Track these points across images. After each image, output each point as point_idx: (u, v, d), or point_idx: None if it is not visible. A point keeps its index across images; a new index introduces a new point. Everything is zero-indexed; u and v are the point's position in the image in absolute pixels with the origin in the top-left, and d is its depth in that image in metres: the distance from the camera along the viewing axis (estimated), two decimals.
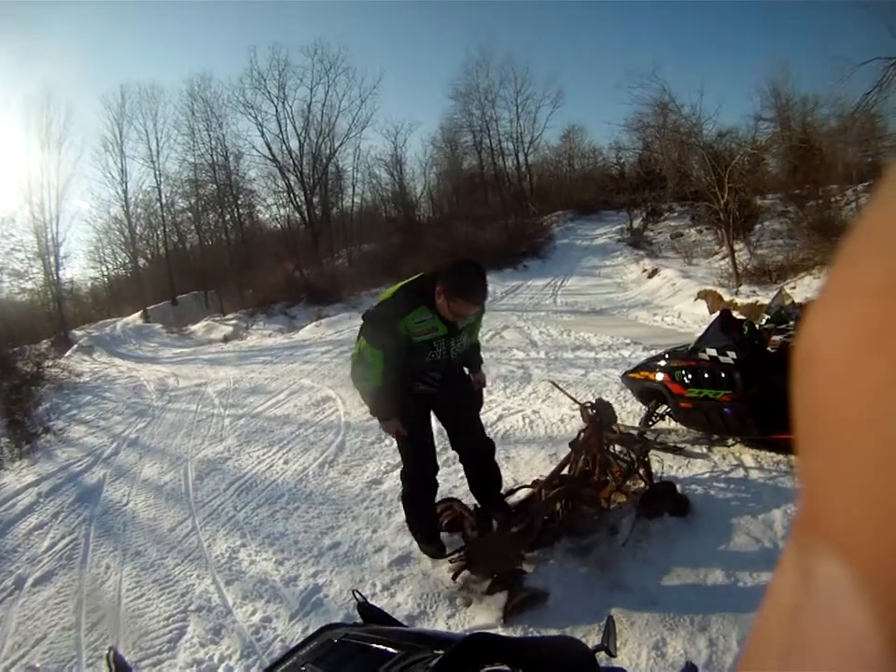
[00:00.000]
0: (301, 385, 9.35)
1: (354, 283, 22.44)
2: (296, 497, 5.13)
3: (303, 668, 2.00)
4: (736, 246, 14.51)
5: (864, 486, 0.19)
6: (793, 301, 6.20)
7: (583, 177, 35.72)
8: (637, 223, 25.35)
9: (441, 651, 1.77)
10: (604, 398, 4.34)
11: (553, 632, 3.03)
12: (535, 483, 4.10)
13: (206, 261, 27.40)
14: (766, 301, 8.03)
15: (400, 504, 3.85)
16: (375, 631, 2.26)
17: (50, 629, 3.81)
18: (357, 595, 2.77)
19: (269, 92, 28.89)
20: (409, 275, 3.44)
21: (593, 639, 2.57)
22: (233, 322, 20.18)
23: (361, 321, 3.32)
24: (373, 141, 57.41)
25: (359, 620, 2.77)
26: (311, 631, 2.99)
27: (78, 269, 32.52)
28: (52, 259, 25.93)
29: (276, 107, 28.71)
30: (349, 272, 25.38)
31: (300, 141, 28.64)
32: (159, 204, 29.06)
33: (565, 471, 4.00)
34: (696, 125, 17.52)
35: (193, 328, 20.52)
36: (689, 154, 21.02)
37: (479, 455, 3.78)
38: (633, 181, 27.40)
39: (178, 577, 4.16)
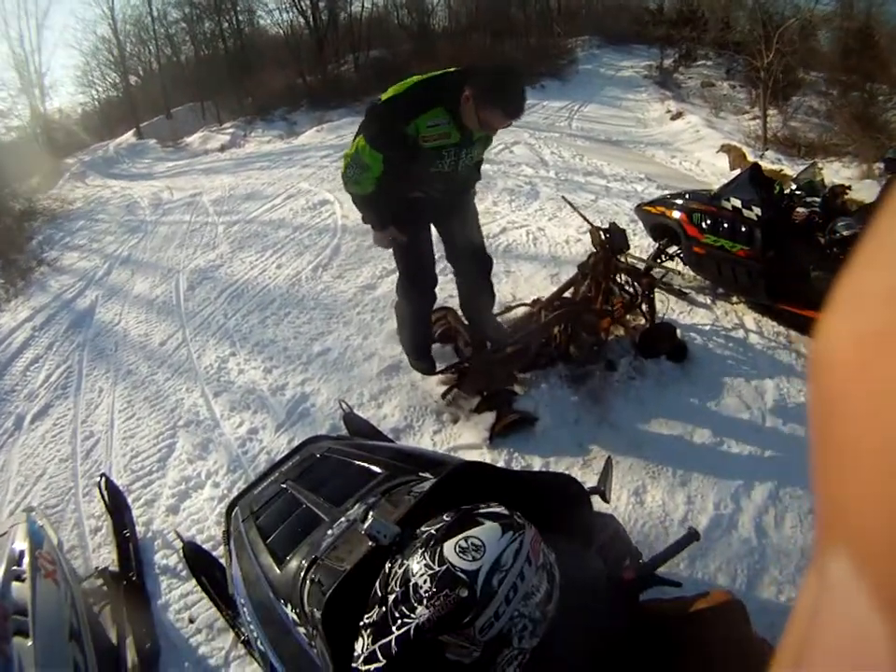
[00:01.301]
0: (298, 188, 8.86)
1: (359, 88, 20.93)
2: (287, 303, 4.97)
3: (284, 486, 1.95)
4: (770, 111, 13.61)
5: (876, 489, 0.20)
6: (822, 179, 5.77)
7: (617, 6, 31.57)
8: (667, 63, 23.00)
9: (426, 474, 1.71)
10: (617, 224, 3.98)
11: (538, 459, 3.00)
12: (535, 302, 3.95)
13: (202, 72, 25.40)
14: (790, 172, 7.85)
15: (393, 312, 3.60)
16: (359, 446, 2.16)
17: (48, 464, 3.73)
18: (344, 406, 2.60)
19: None
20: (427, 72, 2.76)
21: (575, 473, 2.40)
22: (231, 130, 19.08)
23: (364, 119, 2.76)
24: None
25: (345, 431, 2.57)
26: (296, 443, 2.79)
27: (66, 97, 30.66)
28: (37, 91, 24.08)
29: None
30: (355, 77, 23.62)
31: None
32: (150, 18, 26.34)
33: (566, 294, 3.86)
34: None
35: (189, 139, 19.45)
36: (738, 3, 19.61)
37: (475, 270, 3.42)
38: (671, 16, 25.10)
39: (168, 392, 4.11)
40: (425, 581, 1.03)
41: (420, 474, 1.73)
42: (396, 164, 2.67)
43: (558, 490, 1.47)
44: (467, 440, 3.08)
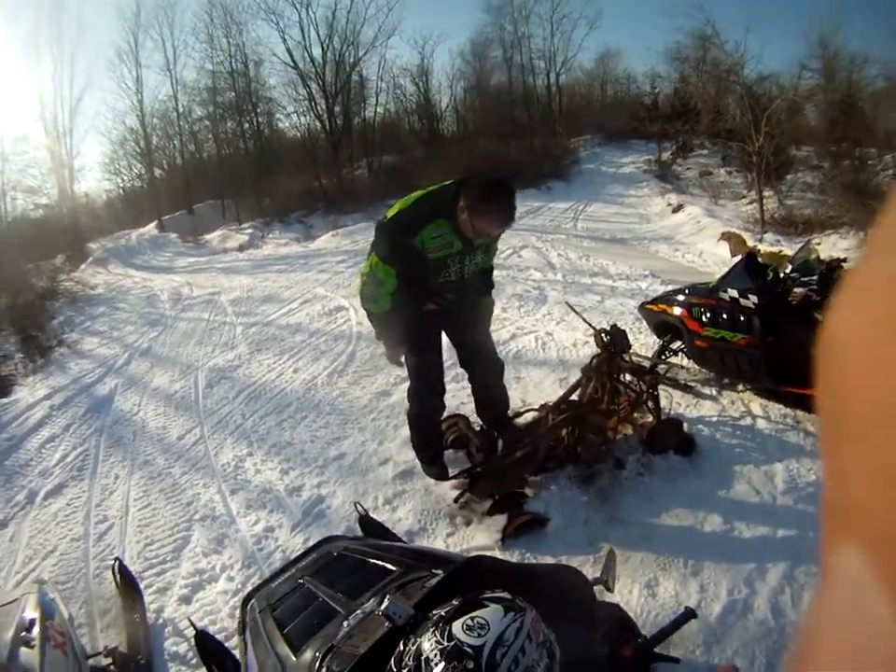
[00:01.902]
0: (314, 294, 9.22)
1: (373, 193, 21.87)
2: (304, 407, 5.11)
3: (301, 580, 2.02)
4: (765, 193, 14.05)
5: (884, 474, 0.20)
6: (819, 256, 6.05)
7: (615, 103, 34.01)
8: (665, 156, 24.20)
9: (438, 571, 1.78)
10: (619, 326, 4.16)
11: (549, 559, 3.02)
12: (542, 406, 4.03)
13: (224, 170, 26.67)
14: (790, 252, 7.79)
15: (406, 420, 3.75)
16: (374, 546, 2.26)
17: (60, 541, 3.82)
18: (359, 508, 2.74)
19: None
20: (428, 186, 3.13)
21: (587, 570, 2.52)
22: (249, 231, 19.88)
23: (375, 237, 3.08)
24: (399, 51, 54.24)
25: (360, 533, 2.72)
26: (312, 542, 2.95)
27: (93, 182, 31.92)
28: (67, 172, 25.27)
29: (300, 13, 26.87)
30: (368, 182, 24.68)
31: (323, 48, 26.97)
32: (175, 114, 27.85)
33: (573, 397, 3.94)
34: (738, 63, 16.69)
35: (209, 237, 20.28)
36: (726, 92, 20.29)
37: (488, 375, 3.64)
38: (666, 112, 26.36)
39: (185, 486, 4.20)
40: (435, 656, 1.14)
41: (432, 571, 1.82)
42: (408, 277, 2.90)
43: (561, 580, 1.56)
44: (479, 542, 3.15)
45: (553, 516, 3.24)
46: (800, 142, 17.62)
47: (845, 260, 6.56)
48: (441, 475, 3.54)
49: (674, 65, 27.35)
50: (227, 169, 26.82)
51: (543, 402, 4.13)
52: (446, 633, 1.16)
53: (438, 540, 3.21)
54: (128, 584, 3.11)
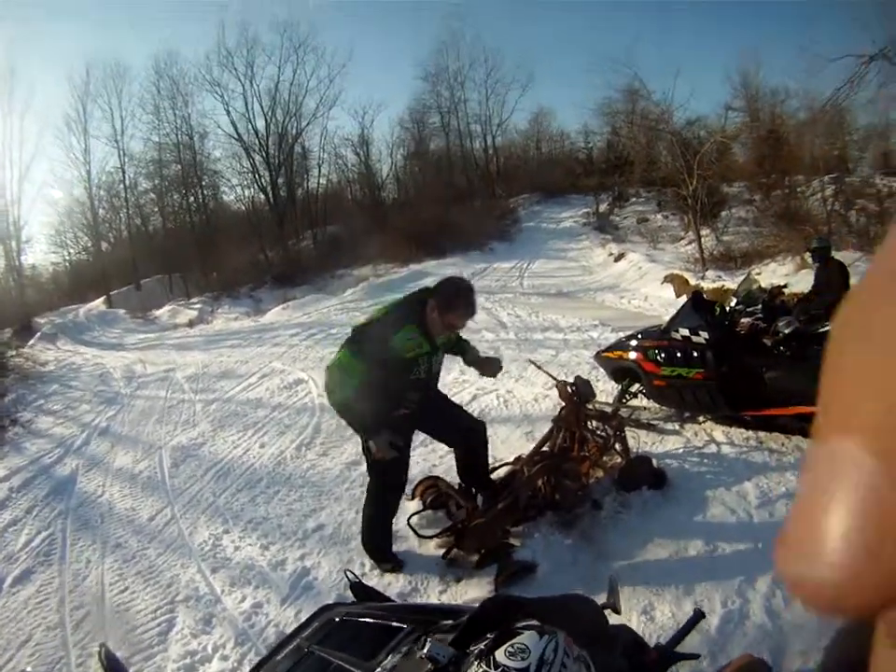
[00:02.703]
0: (271, 368, 9.21)
1: (319, 265, 22.15)
2: (275, 481, 5.07)
3: (308, 650, 1.99)
4: (703, 232, 14.80)
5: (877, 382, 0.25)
6: (760, 286, 6.44)
7: (550, 161, 35.47)
8: (603, 207, 25.45)
9: (449, 622, 1.81)
10: (581, 377, 4.37)
11: None
12: (517, 459, 4.16)
13: (170, 244, 26.46)
14: (732, 286, 8.33)
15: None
16: (376, 608, 2.26)
17: (34, 630, 3.64)
18: (350, 575, 2.74)
19: (236, 70, 27.89)
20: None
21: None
22: (198, 306, 19.74)
23: (348, 337, 3.21)
24: (340, 121, 55.75)
25: (353, 600, 2.73)
26: (304, 615, 2.96)
27: (40, 254, 31.19)
28: (14, 243, 24.80)
29: (244, 86, 27.81)
30: (314, 253, 25.01)
31: (266, 120, 27.86)
32: (122, 186, 27.91)
33: (545, 448, 4.07)
34: (666, 112, 17.66)
35: (157, 312, 20.02)
36: (657, 140, 21.28)
37: (473, 443, 3.74)
38: (600, 165, 27.84)
39: (162, 567, 4.06)
40: None
41: (443, 622, 1.84)
42: (377, 374, 3.07)
43: (574, 608, 1.62)
44: (472, 595, 3.17)
45: (541, 562, 3.31)
46: (730, 179, 18.60)
47: (785, 286, 6.94)
48: (396, 567, 3.55)
49: (605, 119, 28.89)
50: (173, 243, 26.67)
51: (517, 455, 4.25)
52: (491, 662, 1.23)
53: (432, 599, 3.23)
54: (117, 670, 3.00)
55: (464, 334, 3.67)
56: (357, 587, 2.66)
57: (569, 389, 4.08)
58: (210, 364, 10.39)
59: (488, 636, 1.34)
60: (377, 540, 3.60)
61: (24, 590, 4.13)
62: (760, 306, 5.93)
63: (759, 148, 18.34)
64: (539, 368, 4.79)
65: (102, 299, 23.26)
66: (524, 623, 1.35)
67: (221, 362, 10.44)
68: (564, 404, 4.16)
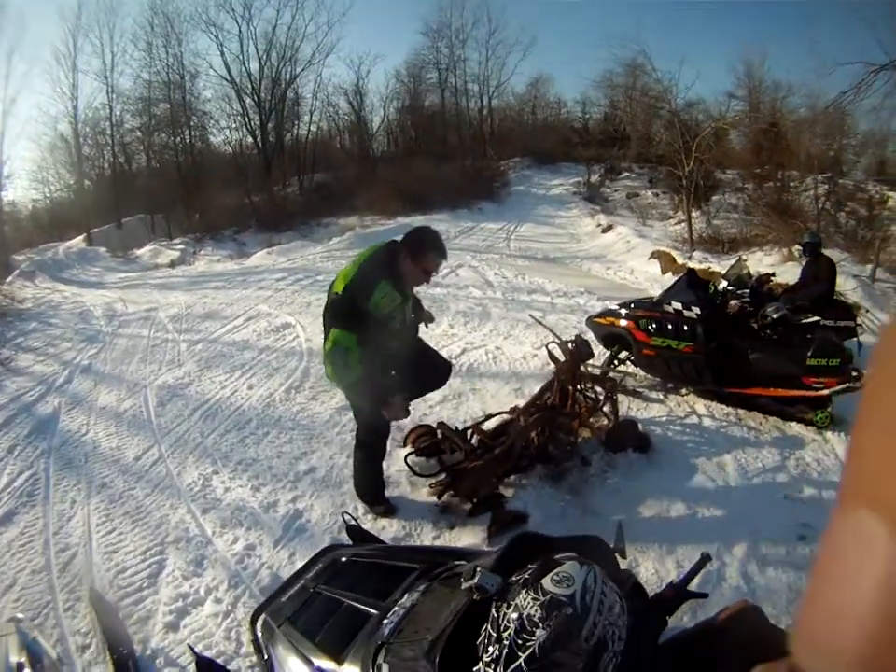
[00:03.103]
0: (257, 310, 9.01)
1: (305, 212, 21.69)
2: (265, 423, 5.01)
3: (314, 589, 1.98)
4: (693, 214, 14.79)
5: None
6: (749, 272, 6.65)
7: (545, 127, 34.85)
8: (594, 178, 25.05)
9: (461, 562, 1.84)
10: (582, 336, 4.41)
11: None
12: (513, 409, 4.19)
13: (154, 184, 25.65)
14: (717, 268, 8.52)
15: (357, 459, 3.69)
16: (382, 549, 2.28)
17: (19, 574, 3.43)
18: (346, 517, 2.66)
19: (234, 11, 26.71)
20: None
21: None
22: (181, 247, 19.25)
23: (330, 321, 3.12)
24: (335, 69, 54.02)
25: (348, 542, 2.62)
26: (298, 557, 2.85)
27: (21, 190, 29.95)
28: None
29: (240, 27, 26.69)
30: (300, 200, 24.46)
31: (260, 64, 26.87)
32: (108, 123, 26.67)
33: (539, 402, 4.12)
34: (667, 90, 17.49)
35: (139, 252, 19.49)
36: (655, 118, 21.37)
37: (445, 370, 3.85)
38: (596, 137, 27.46)
39: (150, 508, 3.95)
40: (535, 611, 1.25)
41: (455, 563, 1.85)
42: (368, 337, 3.04)
43: (591, 548, 1.65)
44: (466, 541, 3.19)
45: (532, 513, 3.36)
46: (725, 166, 18.69)
47: (773, 274, 7.07)
48: (389, 510, 3.55)
49: (604, 92, 28.84)
50: (157, 183, 25.85)
51: (513, 406, 4.28)
52: (539, 589, 1.28)
53: (425, 545, 3.23)
54: (108, 615, 2.87)
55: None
56: (354, 530, 2.60)
57: (570, 346, 4.12)
58: (194, 305, 10.15)
59: (529, 566, 1.38)
60: (370, 482, 3.61)
61: (7, 532, 3.88)
62: (749, 291, 6.06)
63: (757, 139, 18.31)
64: (540, 322, 4.87)
65: (82, 236, 22.55)
66: (563, 555, 1.39)
67: (205, 303, 10.20)
68: (557, 363, 4.23)
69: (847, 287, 8.43)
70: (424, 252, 3.15)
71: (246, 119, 27.18)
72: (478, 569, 1.44)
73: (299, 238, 18.30)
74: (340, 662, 1.66)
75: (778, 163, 16.47)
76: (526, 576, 1.34)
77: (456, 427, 3.92)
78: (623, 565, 1.82)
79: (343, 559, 2.14)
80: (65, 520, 3.95)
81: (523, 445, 3.71)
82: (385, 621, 1.68)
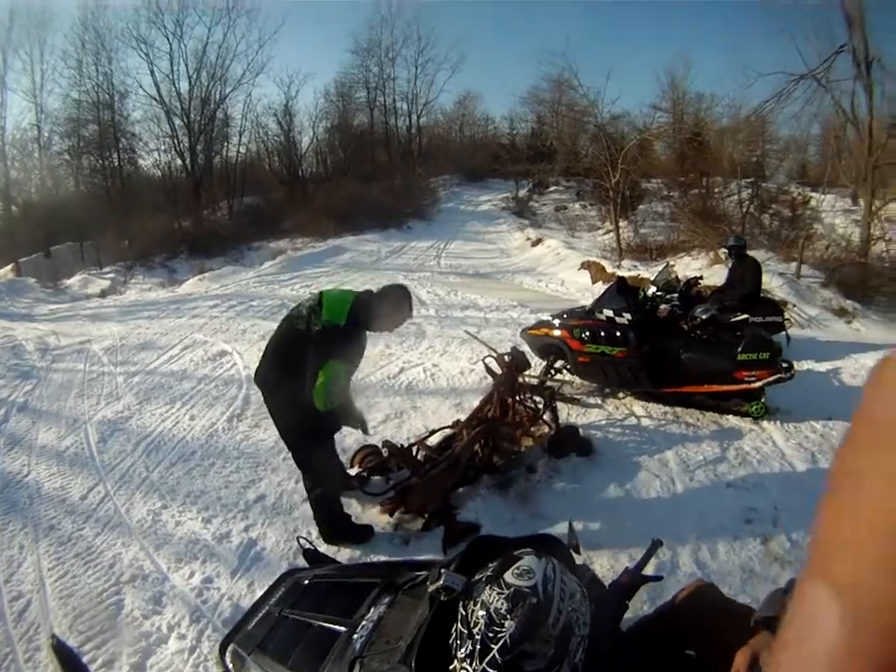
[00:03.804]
0: (193, 339, 8.77)
1: (236, 236, 21.08)
2: (209, 454, 4.89)
3: (280, 614, 1.96)
4: (621, 223, 15.03)
5: (863, 538, 0.28)
6: (677, 276, 6.98)
7: (473, 144, 35.38)
8: (522, 193, 25.46)
9: (421, 573, 1.85)
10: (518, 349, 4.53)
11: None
12: (455, 423, 4.26)
13: (83, 210, 24.32)
14: (646, 275, 8.76)
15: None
16: (342, 568, 2.28)
17: None
18: (302, 541, 2.65)
19: (165, 28, 25.77)
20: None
21: None
22: (111, 275, 18.43)
23: (326, 353, 3.10)
24: (265, 89, 53.19)
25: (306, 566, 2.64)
26: (257, 586, 2.86)
27: None
28: None
29: (171, 45, 25.75)
30: (230, 224, 23.76)
31: (190, 83, 26.01)
32: (37, 144, 25.44)
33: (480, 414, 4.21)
34: (592, 104, 17.74)
35: (68, 282, 18.50)
36: (581, 132, 21.54)
37: None
38: (523, 152, 27.53)
39: (102, 547, 3.78)
40: (502, 604, 1.30)
41: (415, 574, 1.87)
42: (353, 366, 3.28)
43: (546, 546, 1.71)
44: (422, 555, 3.20)
45: (483, 522, 3.42)
46: (651, 175, 19.03)
47: (700, 278, 7.42)
48: (367, 533, 3.50)
49: (531, 108, 29.38)
50: (86, 208, 24.52)
51: (455, 420, 4.34)
52: (503, 584, 1.33)
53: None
54: (70, 663, 2.78)
55: None
56: (311, 553, 2.59)
57: (506, 359, 4.22)
58: (128, 336, 9.73)
59: (490, 564, 1.43)
60: (338, 518, 3.52)
61: None
62: (677, 295, 6.32)
63: (682, 149, 18.66)
64: (475, 337, 5.01)
65: (10, 266, 21.27)
66: (522, 551, 1.45)
67: (139, 333, 9.81)
68: (494, 376, 4.29)
69: (773, 284, 8.84)
70: (402, 308, 3.36)
71: (175, 141, 26.27)
72: (443, 571, 1.49)
73: (230, 263, 17.84)
74: None
75: (703, 171, 16.96)
76: (489, 573, 1.40)
77: (401, 445, 3.93)
78: (578, 561, 1.88)
79: (305, 581, 2.13)
80: (15, 566, 3.71)
81: (468, 457, 3.77)
82: (355, 636, 1.69)
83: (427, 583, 1.55)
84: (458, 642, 1.37)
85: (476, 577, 1.44)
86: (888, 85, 11.57)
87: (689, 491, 3.79)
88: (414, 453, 3.88)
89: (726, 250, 7.51)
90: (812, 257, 11.01)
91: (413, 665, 1.47)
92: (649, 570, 1.97)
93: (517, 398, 4.29)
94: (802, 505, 3.83)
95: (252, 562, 3.40)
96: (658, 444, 4.38)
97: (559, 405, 4.70)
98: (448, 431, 4.17)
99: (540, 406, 4.38)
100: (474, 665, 1.31)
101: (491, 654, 1.29)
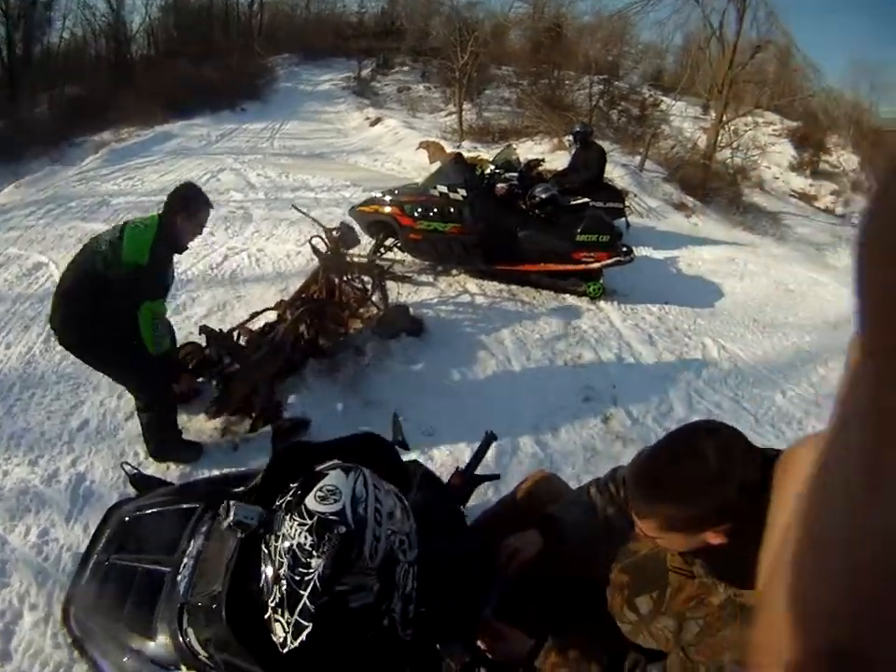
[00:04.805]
0: (6, 255, 7.40)
1: (57, 132, 17.87)
2: (29, 384, 4.14)
3: (108, 562, 1.72)
4: (465, 106, 14.36)
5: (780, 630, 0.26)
6: (518, 157, 6.63)
7: (319, 22, 31.03)
8: (365, 73, 23.25)
9: (241, 488, 1.61)
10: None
11: None
12: (279, 304, 3.87)
13: None
14: (486, 156, 8.30)
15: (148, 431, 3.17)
16: (162, 494, 2.00)
17: None
18: (127, 468, 2.37)
19: None
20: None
21: None
22: None
23: (135, 297, 2.76)
24: None
25: (135, 494, 2.33)
26: (93, 526, 2.48)
27: None
28: None
29: None
30: (51, 118, 20.19)
31: None
32: None
33: (304, 295, 3.84)
34: None
35: None
36: (435, 14, 20.43)
37: None
38: (371, 30, 25.58)
39: None
40: (305, 539, 1.05)
41: (234, 491, 1.62)
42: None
43: (367, 446, 1.49)
44: (254, 460, 2.95)
45: (312, 416, 3.18)
46: (502, 62, 18.21)
47: (542, 160, 7.21)
48: (197, 450, 3.15)
49: None
50: None
51: (278, 301, 3.94)
52: (304, 512, 1.07)
53: (214, 472, 2.88)
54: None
55: (212, 195, 3.21)
56: (138, 479, 2.31)
57: (334, 234, 3.86)
58: None
59: (291, 486, 1.18)
60: (171, 423, 3.14)
61: None
62: (517, 175, 5.98)
63: (538, 38, 17.83)
64: (303, 212, 4.49)
65: None
66: (326, 464, 1.19)
67: None
68: (321, 255, 3.90)
69: (615, 174, 8.82)
70: (198, 210, 2.98)
71: None
72: (232, 504, 1.21)
73: (49, 163, 15.23)
74: (151, 637, 1.43)
75: (556, 63, 16.33)
76: (289, 498, 1.13)
77: (221, 330, 3.47)
78: (407, 458, 1.65)
79: (127, 518, 1.87)
80: None
81: (292, 340, 3.42)
82: (179, 577, 1.46)
83: (220, 518, 1.26)
84: (266, 588, 1.11)
85: (276, 503, 1.17)
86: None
87: (526, 370, 3.70)
88: (236, 338, 3.49)
89: (571, 136, 7.32)
90: (657, 154, 11.23)
91: (224, 618, 1.18)
92: (489, 462, 1.78)
93: (345, 277, 3.97)
94: (640, 383, 3.94)
95: (84, 500, 2.96)
96: (493, 322, 4.22)
97: (389, 284, 4.46)
98: (271, 315, 3.78)
99: (369, 286, 4.10)
100: (286, 616, 1.05)
101: (302, 603, 1.04)
